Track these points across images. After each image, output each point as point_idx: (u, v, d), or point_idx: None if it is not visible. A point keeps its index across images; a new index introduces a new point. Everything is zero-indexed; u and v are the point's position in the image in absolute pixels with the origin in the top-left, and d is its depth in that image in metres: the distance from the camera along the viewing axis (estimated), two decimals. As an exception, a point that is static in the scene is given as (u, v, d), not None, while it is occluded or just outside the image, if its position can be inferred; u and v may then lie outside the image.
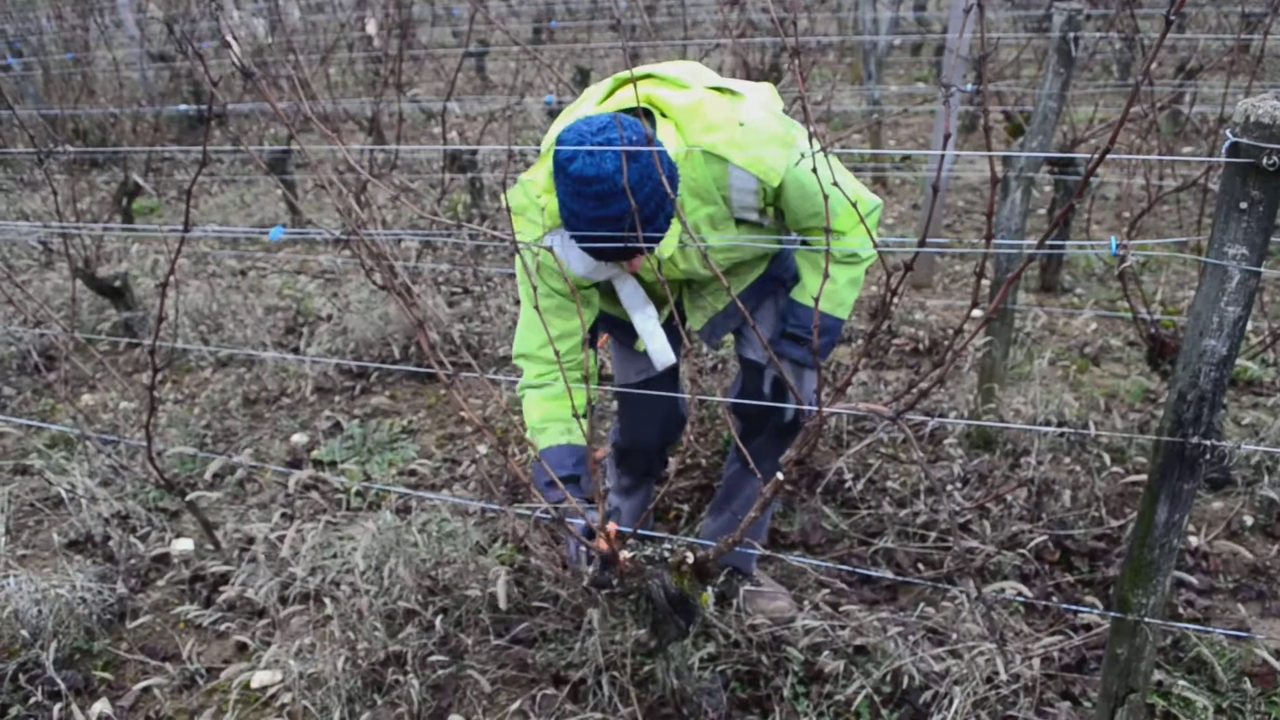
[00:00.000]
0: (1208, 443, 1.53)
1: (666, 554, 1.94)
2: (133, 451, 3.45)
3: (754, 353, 2.43)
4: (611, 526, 1.91)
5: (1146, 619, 1.73)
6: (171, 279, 2.38)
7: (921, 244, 1.48)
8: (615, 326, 2.38)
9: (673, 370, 2.53)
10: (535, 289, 1.92)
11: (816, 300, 1.55)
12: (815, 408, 1.67)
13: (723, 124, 1.99)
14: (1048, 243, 4.09)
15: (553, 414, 2.19)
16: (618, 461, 2.69)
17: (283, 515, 3.13)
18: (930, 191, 1.76)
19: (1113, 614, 1.77)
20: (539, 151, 2.21)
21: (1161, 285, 4.45)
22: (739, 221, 2.14)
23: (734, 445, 2.63)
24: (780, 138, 2.01)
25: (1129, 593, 1.73)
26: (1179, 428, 1.54)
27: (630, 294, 2.16)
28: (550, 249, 1.91)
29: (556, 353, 1.86)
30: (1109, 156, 2.79)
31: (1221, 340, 1.45)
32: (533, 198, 2.07)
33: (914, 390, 1.61)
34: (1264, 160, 1.31)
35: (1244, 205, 1.35)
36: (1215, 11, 6.45)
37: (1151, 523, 1.65)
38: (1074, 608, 2.47)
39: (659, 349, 2.20)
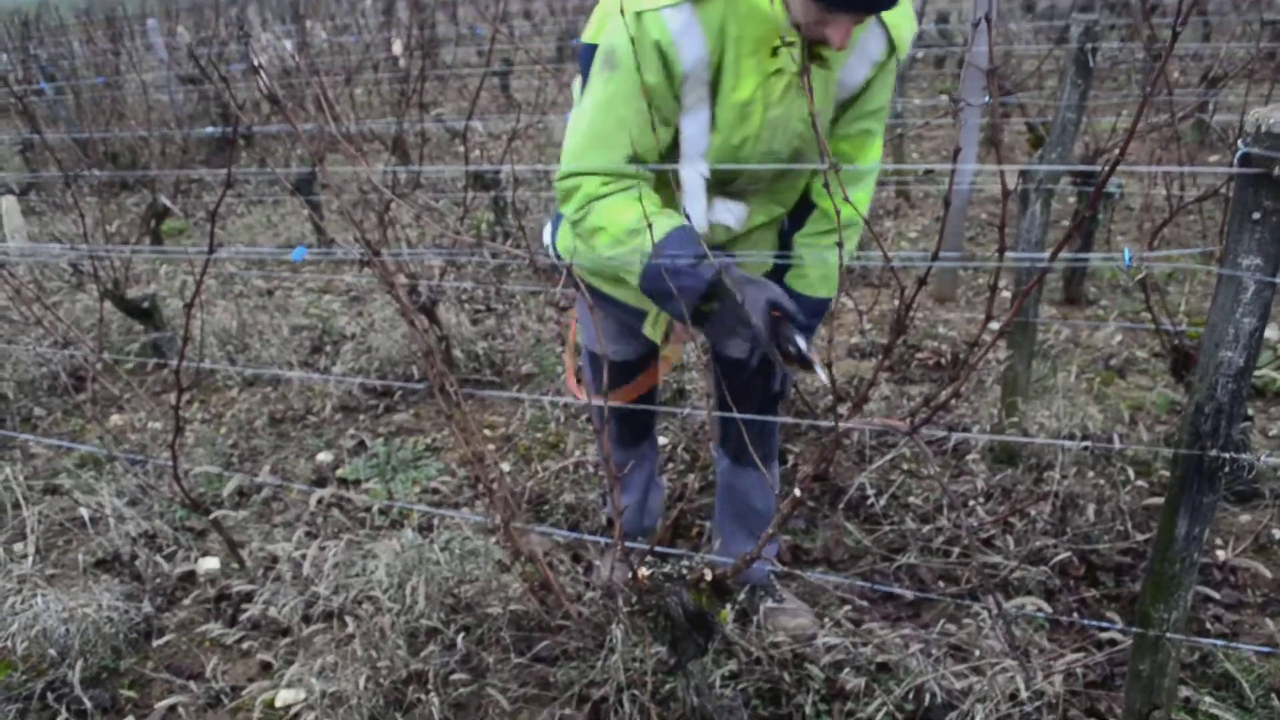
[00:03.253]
0: (1226, 455, 1.52)
1: (685, 571, 1.94)
2: (159, 471, 3.49)
3: (738, 351, 2.31)
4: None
5: (1169, 634, 1.71)
6: (198, 300, 2.41)
7: (935, 257, 1.48)
8: (609, 302, 2.27)
9: (651, 353, 2.46)
10: (640, 68, 1.75)
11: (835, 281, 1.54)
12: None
13: None
14: (1062, 255, 4.07)
15: (652, 208, 1.85)
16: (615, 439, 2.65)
17: (307, 534, 3.15)
18: (944, 205, 1.76)
19: (1134, 629, 1.75)
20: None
21: (1186, 296, 4.41)
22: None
23: (715, 442, 2.60)
24: (913, 21, 1.96)
25: (1150, 608, 1.71)
26: (1197, 440, 1.52)
27: (696, 136, 1.95)
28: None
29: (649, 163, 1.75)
30: (1130, 168, 2.77)
31: (1238, 352, 1.44)
32: None
33: (930, 405, 1.61)
34: (1276, 170, 1.30)
35: (1257, 216, 1.34)
36: (1239, 20, 6.40)
37: (1172, 536, 1.63)
38: (1094, 623, 2.45)
39: (697, 212, 2.01)
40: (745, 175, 2.02)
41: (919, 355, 4.09)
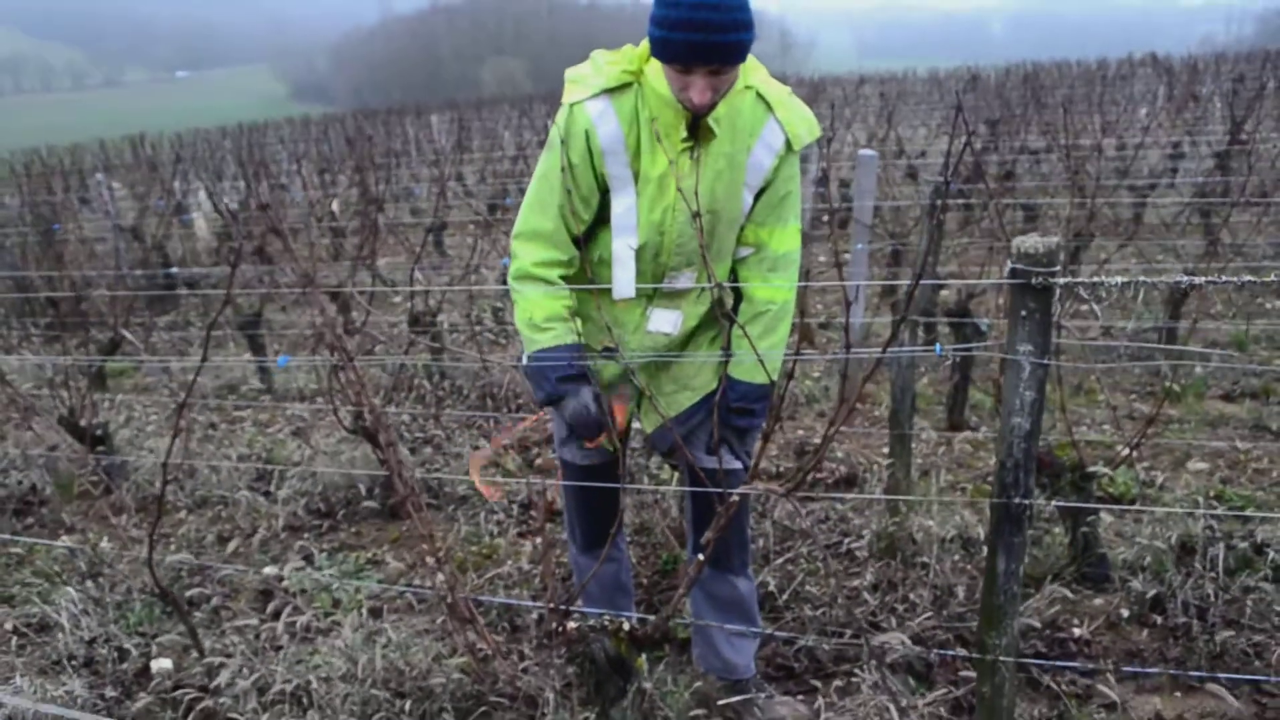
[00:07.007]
0: (1028, 502, 1.96)
1: (606, 623, 2.29)
2: (111, 583, 3.72)
3: (707, 461, 2.58)
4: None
5: (1001, 658, 2.10)
6: (182, 416, 2.75)
7: (798, 352, 1.93)
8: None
9: (614, 463, 2.69)
10: (568, 149, 2.26)
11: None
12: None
13: (780, 87, 2.37)
14: (943, 374, 4.60)
15: (556, 312, 2.38)
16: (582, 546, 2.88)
17: (256, 635, 3.40)
18: (809, 322, 2.22)
19: (974, 655, 2.15)
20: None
21: (1054, 418, 4.95)
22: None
23: (689, 550, 2.84)
24: (813, 128, 2.40)
25: (985, 635, 2.11)
26: (1003, 490, 1.96)
27: (624, 212, 2.38)
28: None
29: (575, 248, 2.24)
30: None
31: (1024, 418, 1.90)
32: (600, 65, 2.33)
33: (801, 470, 2.03)
34: (1033, 280, 1.79)
35: (1024, 313, 1.83)
36: (1101, 186, 7.27)
37: (995, 573, 2.05)
38: (946, 652, 2.84)
39: (625, 279, 2.42)
40: (677, 253, 2.43)
41: (818, 475, 4.53)
